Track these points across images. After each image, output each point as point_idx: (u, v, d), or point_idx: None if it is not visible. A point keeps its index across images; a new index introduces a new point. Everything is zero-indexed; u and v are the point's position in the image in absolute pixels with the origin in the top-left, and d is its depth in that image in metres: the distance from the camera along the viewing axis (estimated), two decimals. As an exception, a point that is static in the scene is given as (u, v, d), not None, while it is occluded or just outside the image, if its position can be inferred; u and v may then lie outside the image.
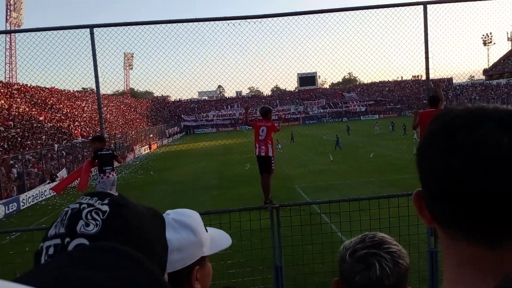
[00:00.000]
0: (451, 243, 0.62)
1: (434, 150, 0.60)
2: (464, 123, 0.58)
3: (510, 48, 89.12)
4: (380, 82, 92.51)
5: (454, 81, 78.33)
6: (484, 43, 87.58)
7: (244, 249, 6.48)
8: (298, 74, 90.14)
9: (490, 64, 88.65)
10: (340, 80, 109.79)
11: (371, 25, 7.02)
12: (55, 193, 16.17)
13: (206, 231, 1.16)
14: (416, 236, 5.22)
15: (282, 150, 28.53)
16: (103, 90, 7.00)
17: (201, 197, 18.02)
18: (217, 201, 16.94)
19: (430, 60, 6.22)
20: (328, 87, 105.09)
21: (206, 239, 1.13)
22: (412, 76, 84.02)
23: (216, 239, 1.18)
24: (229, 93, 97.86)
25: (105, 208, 0.68)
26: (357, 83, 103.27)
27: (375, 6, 6.42)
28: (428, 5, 6.13)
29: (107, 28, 6.39)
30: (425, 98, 6.80)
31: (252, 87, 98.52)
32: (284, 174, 20.52)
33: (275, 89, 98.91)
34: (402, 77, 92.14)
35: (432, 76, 6.56)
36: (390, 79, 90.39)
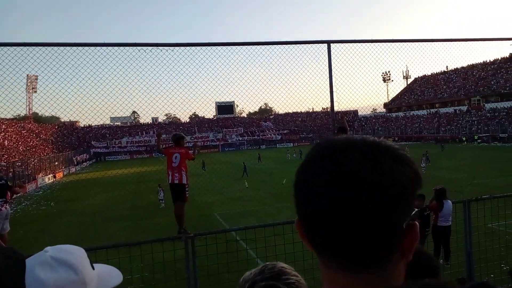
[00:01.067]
0: (325, 268, 0.65)
1: (305, 176, 0.65)
2: (332, 152, 0.63)
3: (405, 85, 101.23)
4: (293, 112, 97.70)
5: (359, 113, 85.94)
6: (384, 80, 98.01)
7: (157, 281, 6.18)
8: (216, 102, 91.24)
9: (390, 99, 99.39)
10: (257, 110, 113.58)
11: (283, 59, 7.45)
12: None
13: (93, 268, 1.06)
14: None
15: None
16: (2, 114, 6.32)
17: (111, 229, 16.84)
18: (129, 232, 15.97)
19: (334, 93, 6.76)
20: (245, 115, 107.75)
21: (91, 277, 1.03)
22: (322, 108, 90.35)
23: (104, 277, 1.08)
24: (145, 119, 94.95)
25: None
26: (273, 113, 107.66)
27: (284, 42, 6.84)
28: (332, 44, 6.71)
29: (8, 47, 5.85)
30: (333, 128, 7.33)
31: (169, 113, 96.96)
32: (202, 202, 20.23)
33: (193, 116, 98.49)
34: (313, 109, 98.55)
35: (338, 108, 7.13)
36: (303, 110, 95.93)
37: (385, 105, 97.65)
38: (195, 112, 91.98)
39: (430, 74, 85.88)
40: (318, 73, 7.89)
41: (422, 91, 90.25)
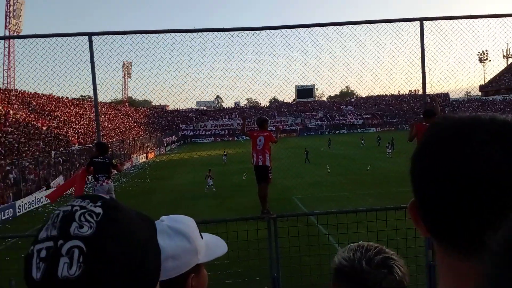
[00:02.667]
0: (445, 255, 0.62)
1: (427, 161, 0.60)
2: (457, 134, 0.58)
3: (505, 66, 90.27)
4: (377, 95, 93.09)
5: (450, 96, 78.98)
6: (480, 60, 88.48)
7: (241, 259, 6.46)
8: (296, 86, 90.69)
9: (486, 81, 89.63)
10: (338, 93, 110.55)
11: (369, 39, 7.13)
12: (49, 200, 16.03)
13: (202, 237, 1.14)
14: (413, 249, 5.23)
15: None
16: (101, 98, 7.02)
17: (198, 207, 17.95)
18: (214, 210, 16.88)
19: (426, 75, 6.30)
20: (326, 99, 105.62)
21: (201, 246, 1.11)
22: (409, 90, 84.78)
23: (211, 247, 1.16)
24: (227, 103, 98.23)
25: (99, 210, 0.67)
26: (355, 96, 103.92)
27: (373, 21, 6.53)
28: (424, 22, 6.24)
29: (106, 36, 6.43)
30: (421, 112, 6.86)
31: (250, 98, 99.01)
32: (282, 185, 20.51)
33: (273, 100, 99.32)
34: (399, 91, 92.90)
35: (428, 91, 6.65)
36: (387, 93, 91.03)
37: (481, 87, 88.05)
38: (274, 97, 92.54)
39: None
40: (407, 53, 7.42)
41: (527, 71, 79.85)
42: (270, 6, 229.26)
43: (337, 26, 6.70)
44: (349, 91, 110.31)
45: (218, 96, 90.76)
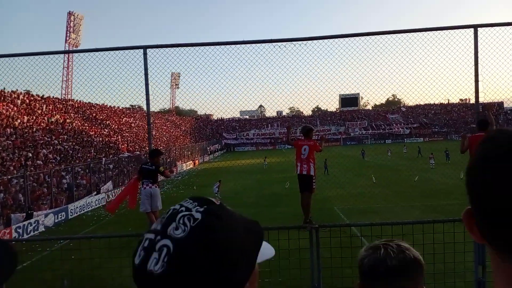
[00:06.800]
0: (501, 262, 0.63)
1: (486, 173, 0.62)
2: None
3: None
4: (425, 104, 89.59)
5: (505, 105, 74.31)
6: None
7: (282, 268, 6.45)
8: (340, 95, 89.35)
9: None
10: (384, 102, 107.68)
11: (417, 47, 6.92)
12: (109, 213, 16.64)
13: None
14: (462, 264, 4.98)
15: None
16: (151, 108, 7.32)
17: (239, 215, 18.09)
18: (255, 219, 16.79)
19: (480, 83, 6.03)
20: (371, 108, 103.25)
21: None
22: (460, 99, 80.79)
23: (261, 249, 1.23)
24: (270, 112, 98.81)
25: (198, 215, 0.70)
26: (401, 105, 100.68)
27: (425, 29, 6.36)
28: (479, 28, 6.00)
29: (158, 49, 6.71)
30: (473, 122, 6.55)
31: (292, 107, 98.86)
32: (323, 196, 20.23)
33: (315, 109, 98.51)
34: (449, 100, 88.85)
35: (481, 99, 6.35)
36: (436, 102, 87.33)
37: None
38: (317, 105, 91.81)
39: None
40: (459, 61, 7.13)
41: None
42: (315, 17, 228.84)
43: (386, 35, 6.58)
44: (396, 99, 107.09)
45: (261, 106, 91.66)
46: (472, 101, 6.30)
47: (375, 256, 1.20)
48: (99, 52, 6.78)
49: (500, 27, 6.21)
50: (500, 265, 0.64)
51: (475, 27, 6.01)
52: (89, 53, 6.98)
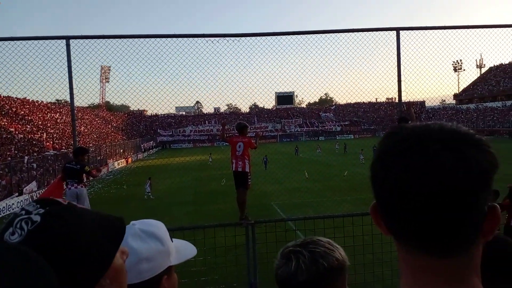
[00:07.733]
0: (405, 254, 0.68)
1: (387, 168, 0.65)
2: (412, 144, 0.63)
3: (478, 75, 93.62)
4: (355, 103, 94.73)
5: (426, 104, 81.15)
6: (455, 69, 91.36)
7: (219, 266, 6.41)
8: (276, 92, 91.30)
9: (460, 89, 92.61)
10: (317, 100, 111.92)
11: (347, 47, 7.24)
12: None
13: (172, 241, 1.18)
14: (389, 254, 5.31)
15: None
16: (78, 103, 6.88)
17: (175, 213, 17.72)
18: (192, 217, 16.70)
19: (402, 83, 6.47)
20: (305, 106, 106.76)
21: (172, 248, 1.15)
22: (386, 98, 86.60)
23: (181, 249, 1.20)
24: (207, 109, 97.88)
25: (37, 218, 0.65)
26: (333, 103, 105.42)
27: (352, 30, 6.66)
28: (400, 31, 6.42)
29: (84, 40, 6.34)
30: (397, 119, 7.04)
31: (230, 103, 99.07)
32: (260, 191, 20.52)
33: (253, 106, 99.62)
34: (376, 99, 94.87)
35: (404, 98, 6.82)
36: (365, 101, 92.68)
37: (455, 96, 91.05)
38: (255, 103, 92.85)
39: (507, 63, 78.60)
40: (384, 62, 7.60)
41: (498, 82, 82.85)
42: (255, 14, 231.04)
43: (316, 34, 6.80)
44: (328, 98, 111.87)
45: (198, 102, 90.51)
46: (397, 100, 6.75)
47: (287, 270, 1.17)
48: (17, 41, 6.21)
49: (421, 30, 6.71)
50: (405, 257, 0.68)
51: (397, 29, 6.42)
52: (7, 42, 6.34)
